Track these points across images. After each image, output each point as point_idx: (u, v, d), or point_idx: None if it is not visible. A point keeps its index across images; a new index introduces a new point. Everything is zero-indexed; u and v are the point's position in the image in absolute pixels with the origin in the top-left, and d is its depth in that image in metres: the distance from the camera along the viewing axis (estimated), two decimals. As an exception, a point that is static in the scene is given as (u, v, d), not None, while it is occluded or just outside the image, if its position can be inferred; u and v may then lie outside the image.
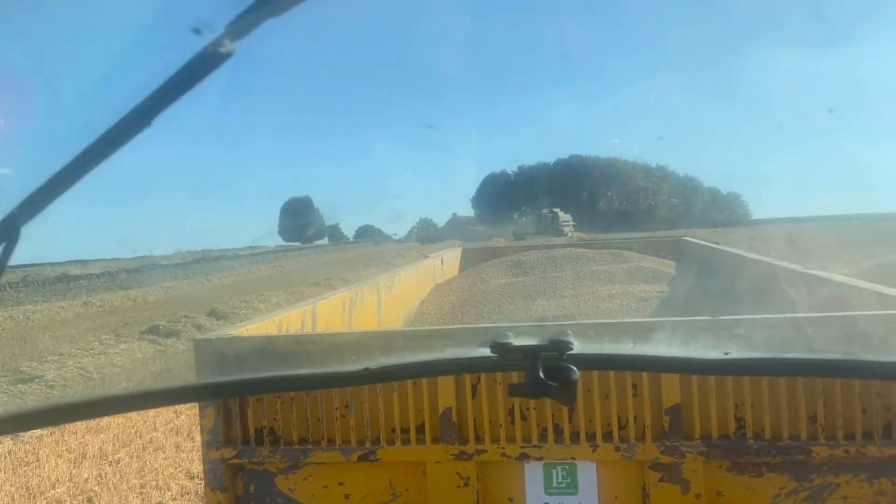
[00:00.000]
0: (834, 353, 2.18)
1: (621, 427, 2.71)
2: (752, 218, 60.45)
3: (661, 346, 1.42)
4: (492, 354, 1.23)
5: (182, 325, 16.85)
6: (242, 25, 0.67)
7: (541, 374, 1.17)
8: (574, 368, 1.14)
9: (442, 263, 9.24)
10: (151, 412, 8.70)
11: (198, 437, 4.36)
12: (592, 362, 1.35)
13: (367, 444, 2.83)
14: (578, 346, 1.22)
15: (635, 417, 2.70)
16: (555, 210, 50.84)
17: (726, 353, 1.22)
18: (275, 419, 2.89)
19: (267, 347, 2.97)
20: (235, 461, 2.90)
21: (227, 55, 0.68)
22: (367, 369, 1.26)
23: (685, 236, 11.89)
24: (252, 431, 2.91)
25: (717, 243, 11.44)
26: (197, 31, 0.70)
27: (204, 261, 42.04)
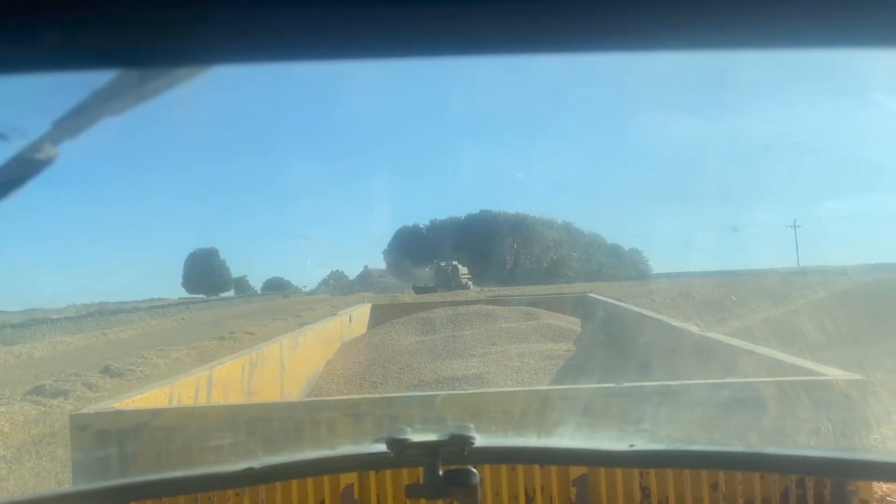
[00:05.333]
0: (735, 443, 2.21)
1: (528, 499, 2.65)
2: (653, 272, 63.03)
3: (566, 440, 1.37)
4: (388, 451, 1.14)
5: (71, 383, 15.63)
6: (72, 127, 0.57)
7: (440, 474, 1.08)
8: (475, 472, 1.07)
9: (350, 321, 9.07)
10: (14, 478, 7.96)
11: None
12: (496, 456, 1.28)
13: None
14: (481, 440, 1.14)
15: (542, 488, 2.65)
16: (454, 263, 50.72)
17: (632, 446, 1.19)
18: (159, 499, 2.65)
19: (153, 422, 2.74)
20: None
21: (47, 162, 0.57)
22: (250, 469, 1.14)
23: (590, 292, 12.24)
24: None
25: (620, 299, 11.81)
26: (3, 137, 0.59)
27: (100, 314, 39.63)
